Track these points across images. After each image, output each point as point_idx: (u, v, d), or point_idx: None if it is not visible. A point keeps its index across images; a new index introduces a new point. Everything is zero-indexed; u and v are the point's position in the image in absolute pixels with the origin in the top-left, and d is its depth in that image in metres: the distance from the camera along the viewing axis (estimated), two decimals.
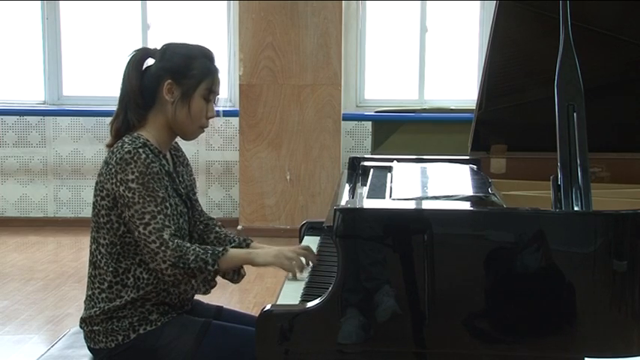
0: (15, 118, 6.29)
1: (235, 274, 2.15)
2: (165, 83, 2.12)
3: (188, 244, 2.06)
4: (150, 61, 2.18)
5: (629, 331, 1.81)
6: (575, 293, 1.80)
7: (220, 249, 2.08)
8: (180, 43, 2.19)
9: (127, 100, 2.15)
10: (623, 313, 1.80)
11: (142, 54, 2.18)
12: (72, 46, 6.39)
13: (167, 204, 2.06)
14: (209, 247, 2.09)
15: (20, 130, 6.31)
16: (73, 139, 6.30)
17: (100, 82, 6.35)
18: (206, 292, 2.09)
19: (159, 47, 2.19)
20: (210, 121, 2.20)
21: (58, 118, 6.28)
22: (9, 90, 6.44)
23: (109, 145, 2.15)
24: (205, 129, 2.22)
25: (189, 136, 2.21)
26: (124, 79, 2.17)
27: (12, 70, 6.47)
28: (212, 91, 2.16)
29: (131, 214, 2.03)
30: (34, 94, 6.42)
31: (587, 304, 1.80)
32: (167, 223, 2.04)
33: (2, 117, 6.29)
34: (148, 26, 6.30)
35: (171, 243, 2.01)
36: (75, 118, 6.27)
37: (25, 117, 6.30)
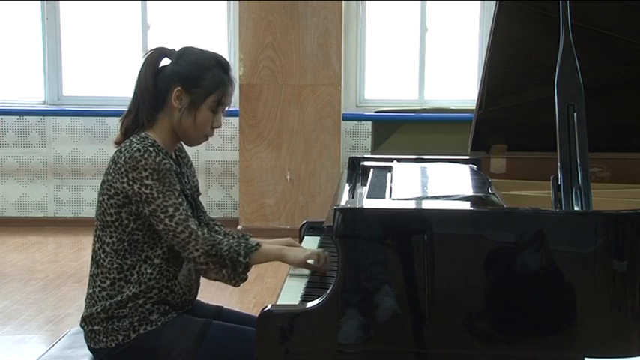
0: (15, 118, 6.30)
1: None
2: (175, 89, 2.12)
3: (220, 236, 2.10)
4: (165, 61, 2.17)
5: (629, 331, 1.81)
6: (575, 293, 1.80)
7: (254, 243, 2.12)
8: (198, 50, 2.18)
9: (141, 99, 2.14)
10: (623, 313, 1.80)
11: (159, 54, 2.17)
12: (72, 46, 6.39)
13: (183, 197, 2.08)
14: (242, 240, 2.13)
15: (20, 130, 6.31)
16: (73, 139, 6.30)
17: (100, 82, 6.35)
18: (236, 284, 2.10)
19: (177, 49, 2.18)
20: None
21: (58, 118, 6.28)
22: (9, 90, 6.44)
23: (117, 143, 2.15)
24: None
25: (191, 143, 2.22)
26: (139, 77, 2.16)
27: (12, 70, 6.47)
28: (221, 103, 2.16)
29: (153, 209, 2.03)
30: (34, 94, 6.42)
31: (587, 304, 1.80)
32: (189, 213, 2.06)
33: (2, 117, 6.29)
34: (148, 26, 6.30)
35: (200, 232, 2.05)
36: (75, 118, 6.27)
37: (25, 117, 6.30)
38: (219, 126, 2.19)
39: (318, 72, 5.76)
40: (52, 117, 6.28)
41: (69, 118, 6.27)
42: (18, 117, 6.30)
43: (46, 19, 6.33)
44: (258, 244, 2.12)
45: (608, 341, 1.81)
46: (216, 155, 6.25)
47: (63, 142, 6.31)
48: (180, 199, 2.06)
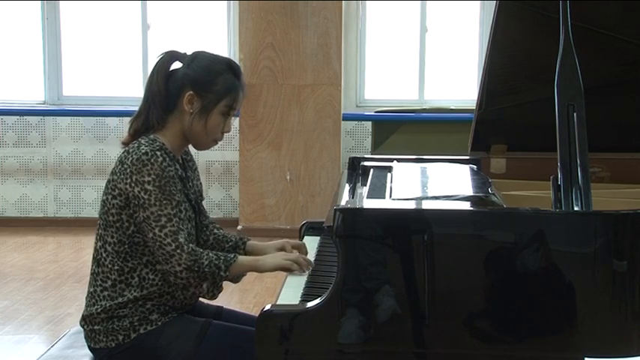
0: (15, 118, 6.29)
1: (236, 275, 2.16)
2: (187, 93, 2.12)
3: (201, 250, 2.08)
4: (177, 65, 2.17)
5: (629, 331, 1.81)
6: (575, 293, 1.80)
7: (231, 256, 2.11)
8: (210, 54, 2.17)
9: (152, 101, 2.14)
10: (623, 313, 1.80)
11: (170, 57, 2.17)
12: (72, 46, 6.39)
13: (181, 207, 2.08)
14: (220, 253, 2.12)
15: (20, 130, 6.31)
16: (73, 139, 6.30)
17: (100, 82, 6.35)
18: (213, 296, 2.12)
19: (189, 52, 2.18)
20: None
21: (58, 118, 6.28)
22: (9, 90, 6.44)
23: (125, 143, 2.14)
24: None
25: (201, 147, 2.21)
26: (150, 79, 2.16)
27: (12, 70, 6.47)
28: (232, 108, 2.16)
29: (146, 216, 2.03)
30: (34, 94, 6.42)
31: (587, 304, 1.80)
32: (181, 226, 2.05)
33: (2, 117, 6.29)
34: (148, 26, 6.30)
35: (186, 247, 2.03)
36: (75, 118, 6.27)
37: (25, 117, 6.29)
38: (229, 130, 2.20)
39: (318, 72, 5.76)
40: (52, 117, 6.28)
41: (69, 118, 6.27)
42: (18, 117, 6.30)
43: (46, 19, 6.32)
44: (235, 256, 2.12)
45: (608, 341, 1.81)
46: (216, 155, 6.25)
47: (63, 142, 6.31)
48: (175, 210, 2.05)
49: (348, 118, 6.03)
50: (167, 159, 2.07)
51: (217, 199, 6.33)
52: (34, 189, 6.35)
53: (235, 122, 5.95)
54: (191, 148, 2.27)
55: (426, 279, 1.79)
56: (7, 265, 5.09)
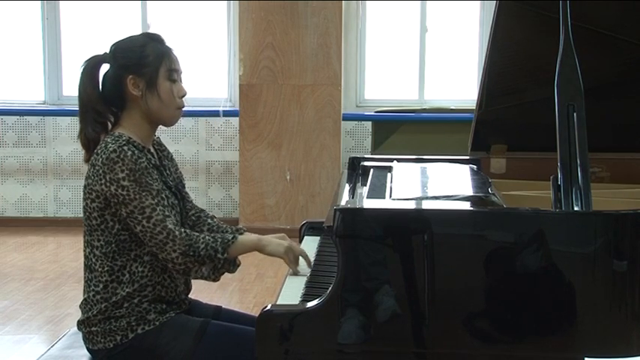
0: (15, 118, 6.30)
1: (231, 265, 2.14)
2: (128, 80, 2.13)
3: (196, 234, 2.09)
4: (105, 67, 2.18)
5: (629, 331, 1.81)
6: (575, 293, 1.80)
7: (230, 237, 2.12)
8: (125, 38, 2.20)
9: (86, 111, 2.15)
10: (623, 313, 1.80)
11: (94, 62, 2.18)
12: (72, 46, 6.39)
13: (163, 195, 2.08)
14: (218, 235, 2.12)
15: (20, 130, 6.31)
16: (73, 139, 6.29)
17: None
18: (216, 279, 2.11)
19: (107, 51, 2.19)
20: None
21: (58, 118, 6.28)
22: (9, 90, 6.44)
23: (87, 160, 2.14)
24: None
25: (169, 122, 2.22)
26: (79, 91, 2.16)
27: (12, 70, 6.47)
28: (174, 70, 2.17)
29: (130, 211, 2.03)
30: (34, 94, 6.43)
31: (587, 304, 1.80)
32: (167, 213, 2.06)
33: (2, 117, 6.29)
34: (148, 26, 6.30)
35: (177, 232, 2.04)
36: (75, 118, 6.18)
37: (25, 117, 6.30)
38: (185, 93, 2.20)
39: (318, 72, 5.76)
40: (52, 117, 6.29)
41: (69, 118, 6.27)
42: (18, 117, 6.30)
43: (46, 19, 6.33)
44: (234, 237, 2.12)
45: (608, 341, 1.81)
46: (216, 155, 6.25)
47: (63, 142, 6.31)
48: (157, 199, 2.05)
49: (348, 118, 6.03)
50: (136, 151, 2.07)
51: (217, 199, 6.33)
52: (34, 189, 6.36)
53: (235, 122, 5.96)
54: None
55: (426, 279, 1.79)
56: (7, 265, 5.09)
